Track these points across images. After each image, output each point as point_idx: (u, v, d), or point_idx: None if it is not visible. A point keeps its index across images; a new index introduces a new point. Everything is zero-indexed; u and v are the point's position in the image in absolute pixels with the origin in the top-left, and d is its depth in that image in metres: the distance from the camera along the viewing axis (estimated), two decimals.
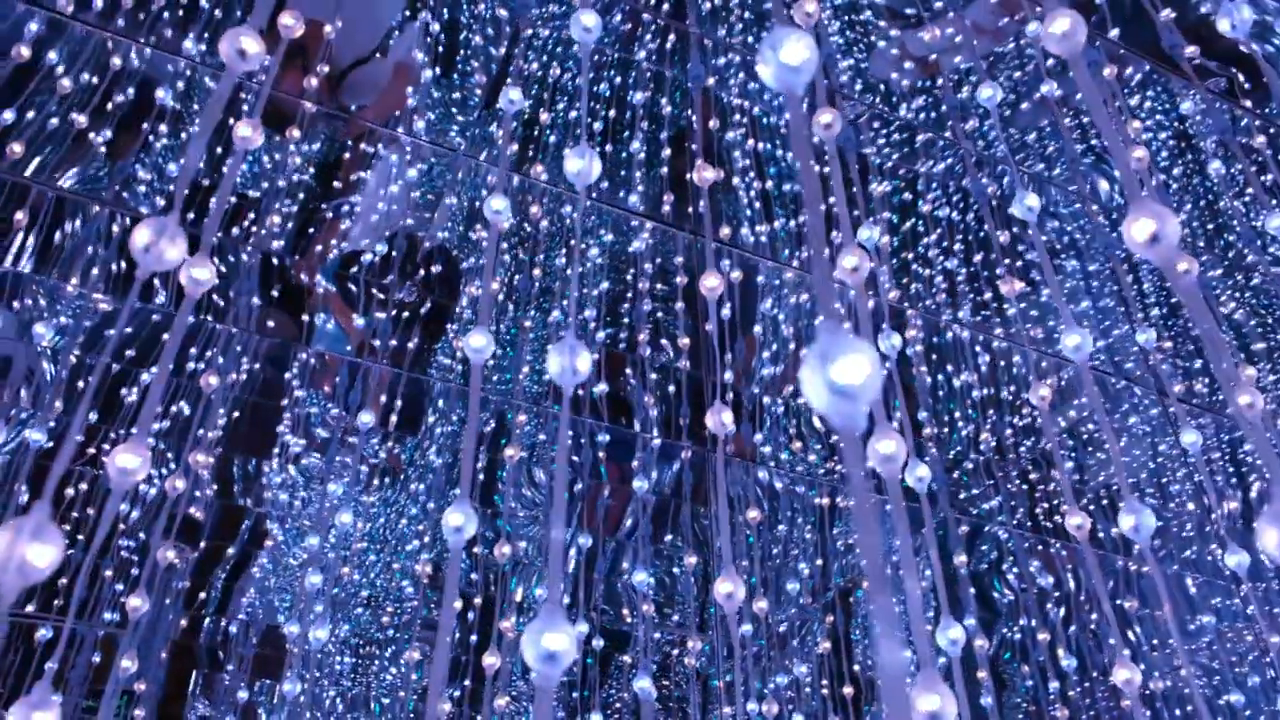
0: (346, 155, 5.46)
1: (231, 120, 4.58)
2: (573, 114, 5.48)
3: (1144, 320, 5.13)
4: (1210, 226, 5.73)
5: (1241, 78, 4.90)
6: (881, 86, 5.62)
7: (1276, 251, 5.19)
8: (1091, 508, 6.55)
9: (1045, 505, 6.62)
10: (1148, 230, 1.16)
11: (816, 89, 2.14)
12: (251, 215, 5.24)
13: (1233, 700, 5.16)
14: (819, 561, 6.28)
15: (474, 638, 5.52)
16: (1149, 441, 6.45)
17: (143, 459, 1.12)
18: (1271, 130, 4.26)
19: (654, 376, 5.71)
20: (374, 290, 5.02)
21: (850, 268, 1.64)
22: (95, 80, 4.43)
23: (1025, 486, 6.65)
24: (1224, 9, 1.70)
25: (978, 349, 5.73)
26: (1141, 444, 6.66)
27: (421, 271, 5.14)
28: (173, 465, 5.21)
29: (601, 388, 5.14)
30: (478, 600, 5.30)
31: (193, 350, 5.05)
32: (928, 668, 1.36)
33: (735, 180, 5.03)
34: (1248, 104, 4.35)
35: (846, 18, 5.65)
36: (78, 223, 4.95)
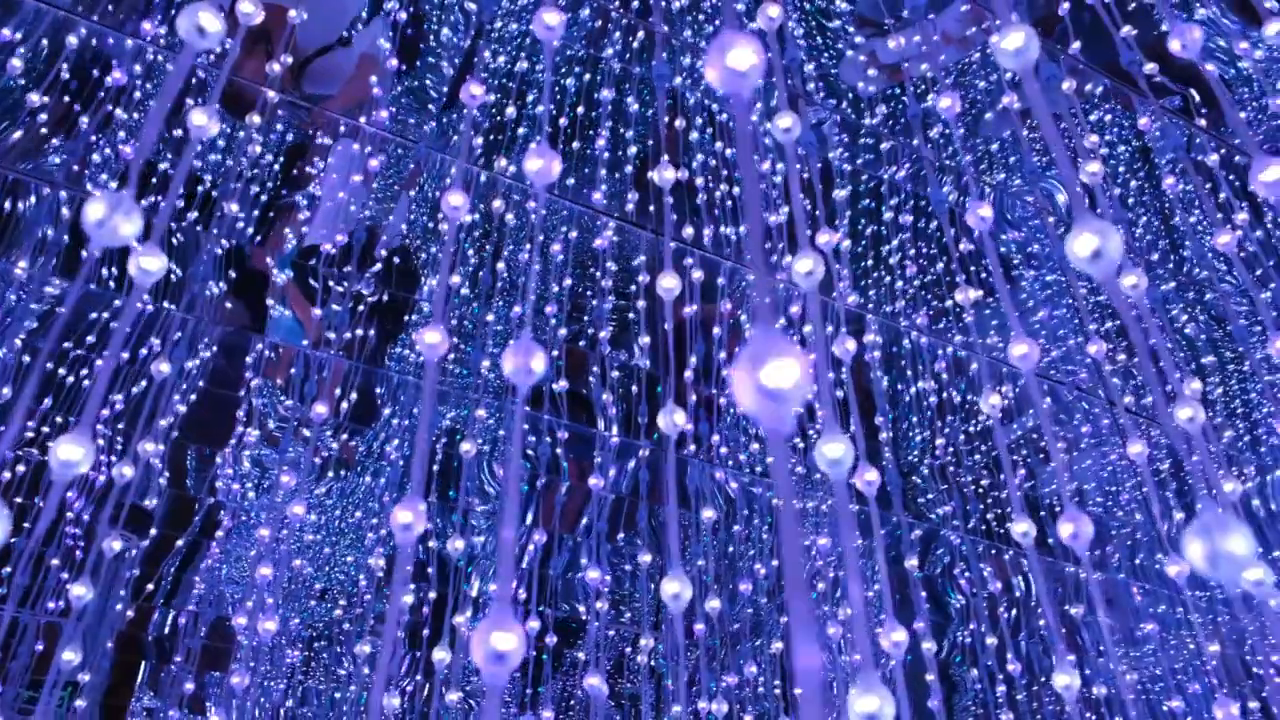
0: (309, 145, 5.40)
1: (190, 102, 4.52)
2: (540, 108, 5.47)
3: (1097, 331, 5.22)
4: (1165, 242, 5.84)
5: (1199, 97, 4.99)
6: (850, 93, 5.66)
7: (1224, 268, 5.31)
8: (1044, 514, 6.65)
9: (998, 511, 6.72)
10: (1090, 246, 1.18)
11: (778, 93, 2.15)
12: (211, 202, 5.17)
13: (1173, 706, 5.26)
14: (775, 562, 6.32)
15: (427, 632, 5.50)
16: (1100, 450, 6.56)
17: (86, 450, 1.10)
18: (1224, 150, 4.35)
19: (615, 374, 5.71)
20: (332, 282, 4.98)
21: (804, 272, 1.66)
22: (49, 58, 4.35)
23: (978, 492, 6.73)
24: (1175, 29, 1.73)
25: (937, 355, 5.79)
26: (1093, 453, 6.77)
27: (380, 264, 5.11)
28: (122, 453, 5.13)
29: (562, 384, 5.14)
30: (433, 594, 5.28)
31: (154, 339, 4.97)
32: (867, 669, 1.38)
33: (700, 180, 5.05)
34: (1202, 123, 4.44)
35: (815, 22, 5.68)
36: (30, 201, 4.87)
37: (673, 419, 2.22)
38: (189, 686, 5.03)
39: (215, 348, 5.32)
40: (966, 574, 6.92)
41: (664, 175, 2.70)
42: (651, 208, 4.88)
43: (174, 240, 5.12)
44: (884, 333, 5.57)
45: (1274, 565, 6.71)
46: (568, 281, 5.67)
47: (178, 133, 4.90)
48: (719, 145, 5.05)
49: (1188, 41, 1.73)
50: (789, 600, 0.65)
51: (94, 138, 4.81)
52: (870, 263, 5.96)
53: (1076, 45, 4.54)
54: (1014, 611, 6.86)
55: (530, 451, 5.82)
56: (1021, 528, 2.53)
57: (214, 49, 1.22)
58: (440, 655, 2.73)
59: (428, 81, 5.60)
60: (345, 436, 5.92)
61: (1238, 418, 6.21)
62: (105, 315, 5.13)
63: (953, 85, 5.59)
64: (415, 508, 1.56)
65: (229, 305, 5.48)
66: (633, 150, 5.33)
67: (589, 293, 5.68)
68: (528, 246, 4.96)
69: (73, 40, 4.39)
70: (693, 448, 5.40)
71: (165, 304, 4.98)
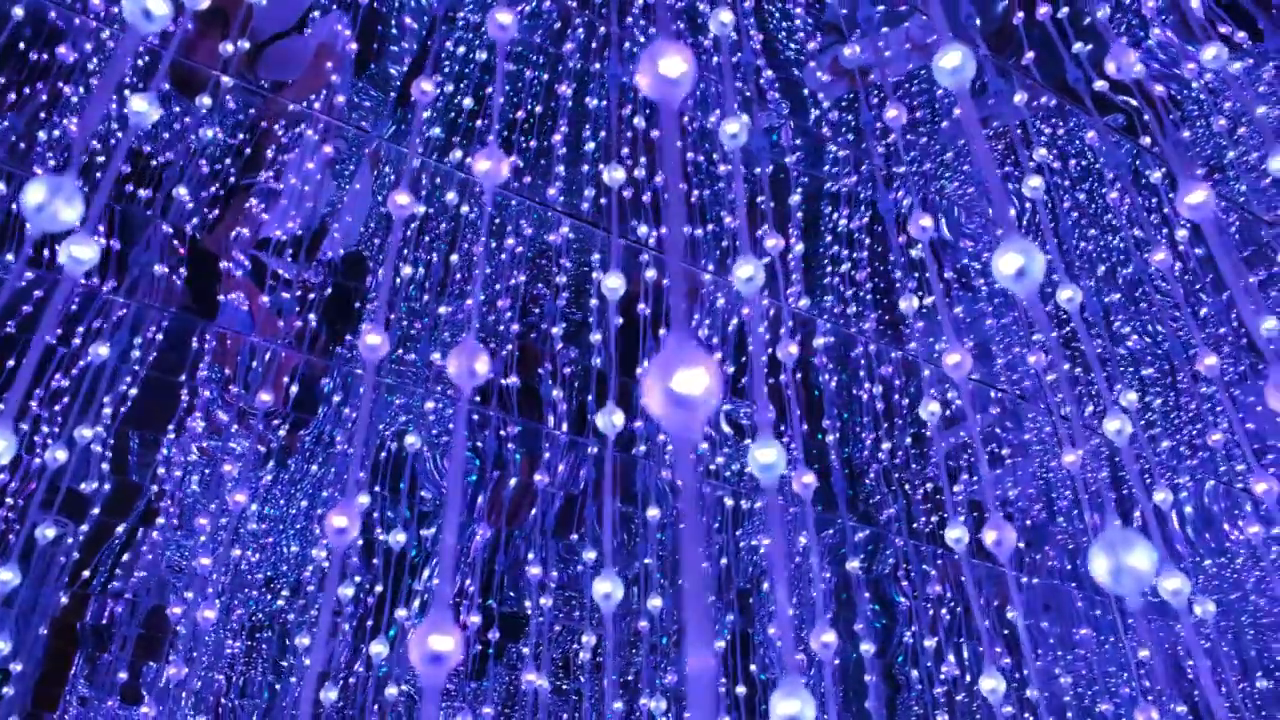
0: (262, 132, 5.33)
1: (135, 81, 4.43)
2: (501, 99, 5.44)
3: (1042, 344, 5.32)
4: (1110, 257, 5.97)
5: (1148, 116, 5.09)
6: (811, 97, 5.70)
7: (1164, 284, 5.44)
8: (987, 518, 6.74)
9: (942, 515, 6.82)
10: (1014, 265, 1.21)
11: (727, 96, 2.17)
12: (160, 185, 5.09)
13: (1103, 709, 5.39)
14: (723, 561, 6.36)
15: (371, 623, 5.46)
16: (1045, 457, 6.69)
17: (9, 443, 1.09)
18: (1165, 169, 4.45)
19: (567, 371, 5.71)
20: (282, 271, 4.93)
21: (744, 278, 1.68)
22: None
23: (925, 496, 6.83)
24: (1112, 52, 1.78)
25: (887, 359, 5.87)
26: (1037, 459, 6.90)
27: (330, 254, 5.07)
28: (58, 437, 5.02)
29: (512, 380, 5.12)
30: (379, 588, 5.25)
31: (95, 322, 4.88)
32: (790, 672, 1.40)
33: (657, 180, 5.07)
34: (1147, 140, 4.54)
35: (776, 25, 5.72)
36: None
37: (611, 419, 2.23)
38: (123, 676, 4.96)
39: (162, 334, 5.25)
40: (908, 577, 7.02)
41: (613, 175, 2.71)
42: (603, 201, 4.89)
43: (117, 222, 5.03)
44: (834, 337, 5.63)
45: (1206, 572, 6.89)
46: (522, 277, 5.66)
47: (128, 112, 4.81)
48: (679, 145, 5.06)
49: (1123, 64, 1.78)
50: (686, 603, 0.67)
51: (40, 115, 4.71)
52: (827, 267, 6.02)
53: (1030, 55, 4.62)
54: (958, 613, 6.97)
55: (479, 444, 5.80)
56: (954, 534, 2.58)
57: (159, 31, 1.20)
58: (378, 649, 2.72)
59: (391, 72, 5.56)
60: (291, 426, 5.86)
61: (1175, 428, 6.36)
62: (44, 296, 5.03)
63: (917, 92, 5.65)
64: (351, 512, 1.56)
65: (178, 290, 5.40)
66: (590, 147, 5.33)
67: (544, 288, 5.68)
68: (480, 242, 4.94)
69: (19, 11, 4.29)
70: (643, 448, 5.43)
71: (106, 287, 4.89)
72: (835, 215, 6.00)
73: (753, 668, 6.54)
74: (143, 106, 1.67)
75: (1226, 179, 5.47)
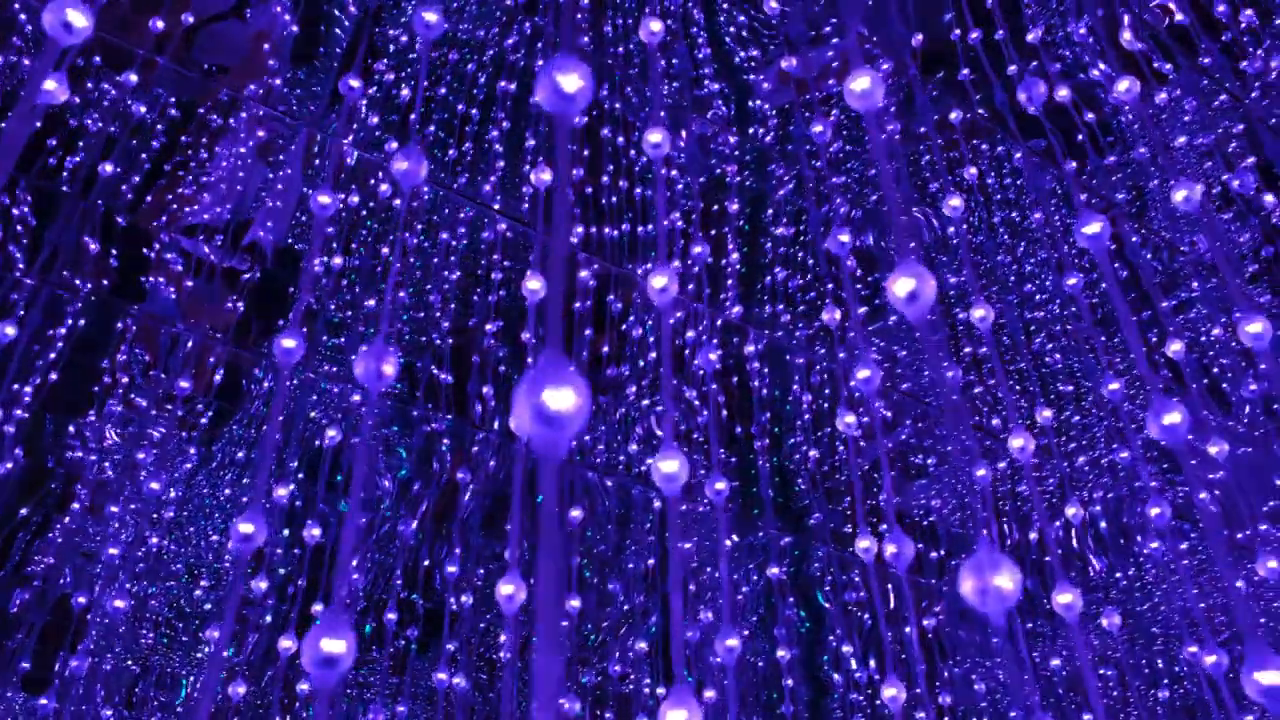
0: (195, 115, 5.23)
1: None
2: (440, 90, 5.41)
3: (959, 359, 5.45)
4: (1039, 276, 6.12)
5: (1079, 138, 5.25)
6: (758, 109, 5.75)
7: (1073, 308, 5.59)
8: (907, 524, 6.88)
9: (871, 521, 6.92)
10: (906, 288, 1.25)
11: (654, 104, 2.19)
12: (83, 164, 4.95)
13: (1012, 716, 5.53)
14: (651, 561, 6.39)
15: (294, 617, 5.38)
16: (963, 470, 6.83)
17: None
18: (1085, 194, 4.58)
19: (503, 370, 5.69)
20: (209, 257, 4.83)
21: (658, 287, 1.70)
22: None
23: (850, 504, 6.94)
24: (1022, 84, 1.83)
25: (814, 368, 5.95)
26: (959, 470, 7.05)
27: (260, 242, 4.98)
28: None
29: (445, 377, 5.10)
30: (302, 582, 5.17)
31: (15, 297, 4.74)
32: (679, 681, 1.42)
33: (603, 180, 5.08)
34: (1074, 164, 4.66)
35: (726, 29, 5.76)
36: None
37: (523, 419, 2.23)
38: (25, 666, 4.83)
39: (83, 316, 5.12)
40: (829, 584, 7.12)
41: (540, 177, 2.72)
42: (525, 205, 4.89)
43: (32, 199, 4.90)
44: (765, 345, 5.69)
45: (1115, 587, 7.10)
46: (456, 274, 5.63)
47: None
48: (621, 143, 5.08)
49: (1034, 95, 1.83)
50: (538, 609, 0.68)
51: None
52: (764, 276, 6.08)
53: (966, 71, 4.71)
54: (876, 619, 7.08)
55: (407, 440, 5.76)
56: (863, 544, 2.63)
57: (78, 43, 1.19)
58: (285, 644, 2.69)
59: (329, 62, 5.49)
60: (216, 415, 5.76)
61: (1091, 445, 6.55)
62: None
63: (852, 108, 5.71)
64: (258, 520, 1.55)
65: (101, 272, 5.27)
66: (531, 143, 5.32)
67: (478, 284, 5.65)
68: (407, 236, 4.91)
69: None
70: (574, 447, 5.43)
71: (18, 268, 4.76)
72: (774, 225, 6.06)
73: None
74: (51, 85, 1.63)
75: (1153, 204, 5.65)
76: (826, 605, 7.45)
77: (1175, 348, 3.00)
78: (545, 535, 0.69)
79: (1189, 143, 4.90)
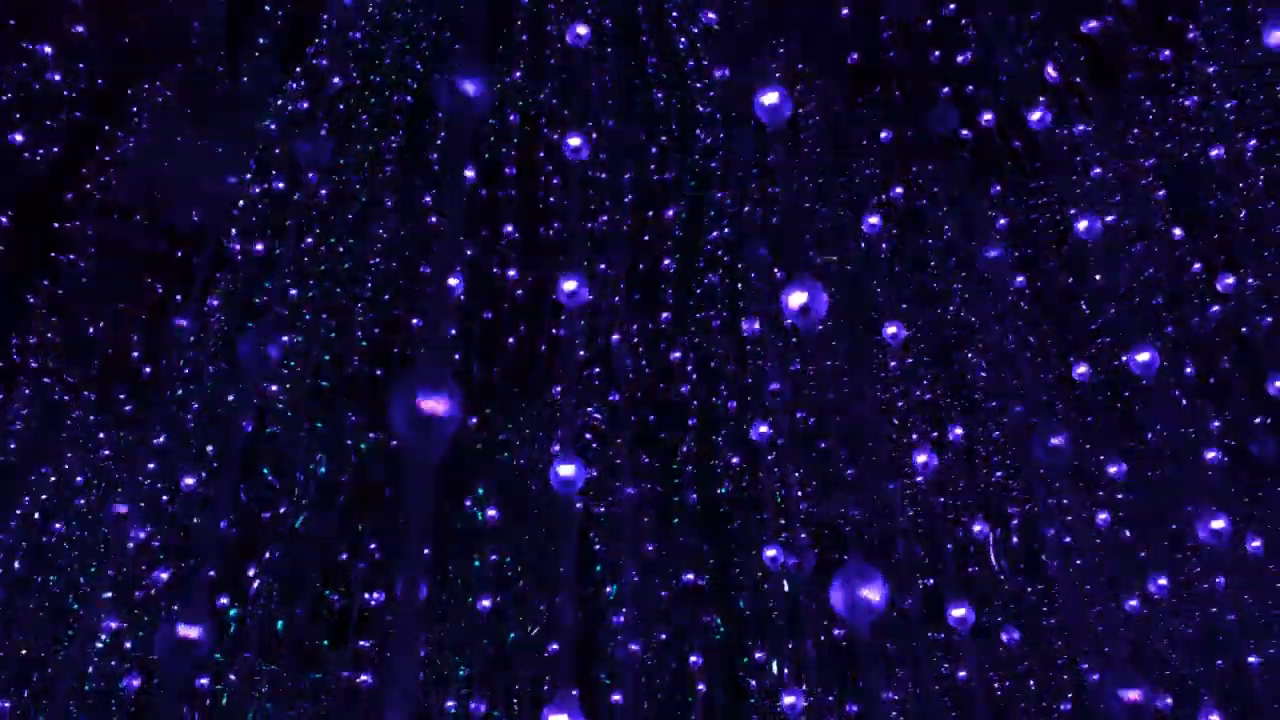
0: (122, 89, 5.08)
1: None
2: (376, 78, 5.34)
3: (880, 372, 5.54)
4: (963, 293, 6.25)
5: (1010, 162, 5.38)
6: (701, 118, 5.76)
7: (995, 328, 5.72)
8: (827, 533, 6.96)
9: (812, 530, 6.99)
10: (799, 301, 1.27)
11: (568, 109, 2.21)
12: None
13: None
14: (567, 565, 6.36)
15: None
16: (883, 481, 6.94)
17: None
18: (1013, 216, 4.71)
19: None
20: (129, 233, 4.70)
21: (569, 291, 1.70)
22: None
23: (776, 513, 6.99)
24: (936, 112, 1.87)
25: (741, 378, 5.99)
26: (885, 481, 7.16)
27: (176, 222, 4.85)
28: None
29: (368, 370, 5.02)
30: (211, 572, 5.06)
31: None
32: (564, 686, 1.42)
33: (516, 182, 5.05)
34: (998, 186, 4.79)
35: (663, 39, 5.78)
36: None
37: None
38: None
39: None
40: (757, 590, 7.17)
41: (464, 175, 2.70)
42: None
43: None
44: (693, 351, 5.72)
45: (1017, 600, 7.27)
46: (394, 264, 5.56)
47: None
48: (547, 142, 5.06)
49: (946, 120, 1.88)
50: (398, 612, 0.68)
51: None
52: (693, 284, 6.10)
53: (897, 94, 4.80)
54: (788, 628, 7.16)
55: (323, 434, 5.66)
56: (770, 553, 2.66)
57: None
58: (185, 632, 2.62)
59: (266, 43, 5.38)
60: (127, 396, 5.60)
61: (1005, 461, 6.71)
62: None
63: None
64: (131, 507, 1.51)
65: (10, 245, 5.09)
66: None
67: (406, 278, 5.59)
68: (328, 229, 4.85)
69: None
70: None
71: None
72: (710, 233, 6.09)
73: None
74: None
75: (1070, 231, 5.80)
76: (747, 612, 7.51)
77: (1082, 370, 3.07)
78: (413, 545, 0.68)
79: (1101, 175, 5.04)
